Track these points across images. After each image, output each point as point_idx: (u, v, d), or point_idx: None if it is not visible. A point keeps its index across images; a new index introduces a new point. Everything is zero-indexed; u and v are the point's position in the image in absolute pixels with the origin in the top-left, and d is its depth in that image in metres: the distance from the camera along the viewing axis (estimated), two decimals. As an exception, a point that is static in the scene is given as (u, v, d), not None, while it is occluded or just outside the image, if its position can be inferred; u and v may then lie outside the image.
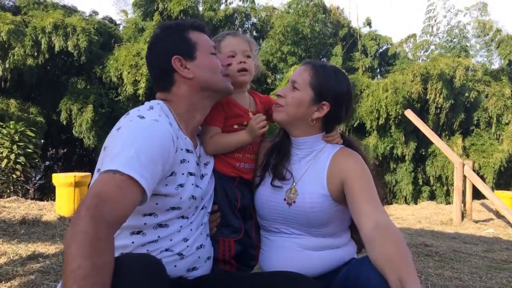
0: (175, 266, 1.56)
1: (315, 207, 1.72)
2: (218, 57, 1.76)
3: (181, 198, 1.55)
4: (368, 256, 1.45)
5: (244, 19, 17.45)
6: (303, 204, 1.73)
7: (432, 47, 19.13)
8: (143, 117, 1.47)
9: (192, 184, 1.61)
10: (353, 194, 1.63)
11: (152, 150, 1.38)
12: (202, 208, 1.72)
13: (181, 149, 1.57)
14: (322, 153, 1.82)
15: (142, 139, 1.38)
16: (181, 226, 1.59)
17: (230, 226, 1.80)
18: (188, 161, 1.61)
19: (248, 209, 1.86)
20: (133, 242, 1.49)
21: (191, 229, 1.62)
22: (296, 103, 1.79)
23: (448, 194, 14.57)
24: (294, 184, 1.78)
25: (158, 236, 1.52)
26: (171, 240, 1.56)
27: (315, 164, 1.81)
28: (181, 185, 1.55)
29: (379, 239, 1.44)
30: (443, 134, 14.97)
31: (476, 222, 8.78)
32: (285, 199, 1.77)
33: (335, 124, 1.87)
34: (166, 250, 1.54)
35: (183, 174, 1.57)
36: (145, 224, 1.50)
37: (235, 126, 1.86)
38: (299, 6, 17.31)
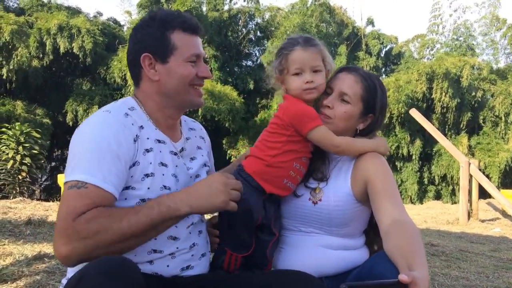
0: (168, 266, 1.54)
1: (339, 206, 1.72)
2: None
3: (148, 188, 1.49)
4: (383, 249, 1.47)
5: (248, 19, 17.45)
6: (328, 202, 1.73)
7: (438, 45, 19.09)
8: (98, 112, 1.53)
9: (163, 175, 1.54)
10: (376, 192, 1.65)
11: (107, 148, 1.40)
12: None
13: (147, 138, 1.53)
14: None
15: (94, 140, 1.42)
16: None
17: (241, 240, 1.69)
18: (160, 151, 1.56)
19: (266, 226, 1.73)
20: None
21: (176, 226, 1.55)
22: (346, 117, 1.74)
23: (454, 193, 14.52)
24: (319, 183, 1.78)
25: None
26: (155, 239, 1.50)
27: (340, 164, 1.81)
28: (147, 175, 1.50)
29: (394, 233, 1.47)
30: (449, 133, 14.92)
31: (483, 221, 8.74)
32: (310, 198, 1.77)
33: (373, 132, 1.86)
34: (154, 251, 1.51)
35: (150, 163, 1.51)
36: None
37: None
38: (305, 6, 17.31)
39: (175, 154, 1.62)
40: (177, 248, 1.57)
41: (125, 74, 13.29)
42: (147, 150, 1.52)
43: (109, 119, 1.48)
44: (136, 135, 1.49)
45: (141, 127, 1.54)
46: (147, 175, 1.50)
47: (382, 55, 19.04)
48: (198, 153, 1.78)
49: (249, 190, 1.66)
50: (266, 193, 1.69)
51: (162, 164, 1.56)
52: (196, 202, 1.45)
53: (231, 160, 12.67)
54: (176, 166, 1.61)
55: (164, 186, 1.54)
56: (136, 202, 1.48)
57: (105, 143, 1.41)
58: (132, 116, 1.53)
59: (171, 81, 1.57)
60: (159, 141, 1.58)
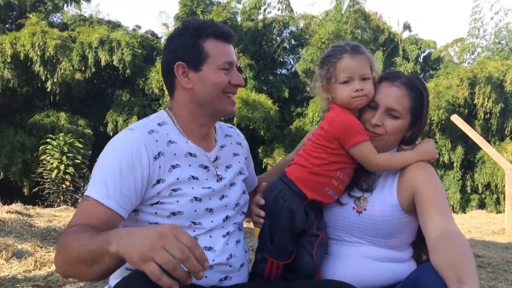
0: (206, 277, 1.55)
1: (385, 216, 1.67)
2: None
3: (177, 201, 1.51)
4: (430, 262, 1.43)
5: (282, 28, 17.52)
6: (373, 212, 1.68)
7: (479, 49, 18.53)
8: (124, 130, 1.57)
9: (193, 188, 1.55)
10: (423, 203, 1.59)
11: (117, 167, 1.44)
12: (226, 219, 1.64)
13: (174, 154, 1.54)
14: None
15: (108, 159, 1.47)
16: (194, 231, 1.55)
17: (283, 248, 1.68)
18: (189, 165, 1.57)
19: (309, 229, 1.70)
20: None
21: (210, 236, 1.56)
22: (397, 132, 1.70)
23: (498, 202, 13.97)
24: (364, 192, 1.75)
25: None
26: None
27: (386, 173, 1.75)
28: (174, 190, 1.52)
29: (443, 245, 1.42)
30: (492, 140, 14.39)
31: (531, 231, 8.35)
32: (354, 208, 1.74)
33: (418, 136, 1.82)
34: None
35: (177, 178, 1.52)
36: None
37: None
38: (340, 13, 17.22)
39: (205, 167, 1.62)
40: (214, 260, 1.57)
41: (162, 85, 13.60)
42: (173, 166, 1.54)
43: (128, 138, 1.52)
44: (159, 153, 1.51)
45: (170, 142, 1.55)
46: (174, 190, 1.52)
47: (420, 60, 18.65)
48: (235, 160, 1.77)
49: (291, 196, 1.67)
50: (307, 199, 1.68)
51: (193, 177, 1.57)
52: (125, 244, 1.17)
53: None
54: (207, 179, 1.61)
55: (195, 198, 1.55)
56: (167, 216, 1.51)
57: (116, 162, 1.46)
58: (159, 132, 1.54)
59: (204, 89, 1.57)
60: (190, 154, 1.59)
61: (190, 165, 1.58)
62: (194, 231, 1.56)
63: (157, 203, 1.51)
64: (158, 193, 1.49)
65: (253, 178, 1.92)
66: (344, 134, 1.65)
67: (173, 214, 1.52)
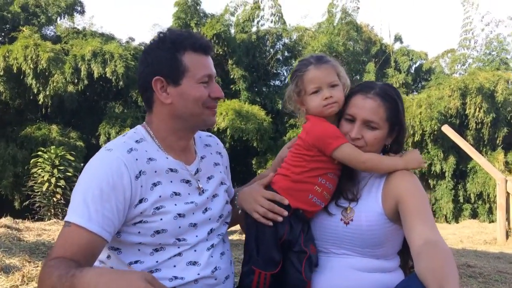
0: None
1: (371, 226, 1.69)
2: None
3: (161, 219, 1.50)
4: (415, 271, 1.43)
5: (276, 40, 17.64)
6: (360, 222, 1.69)
7: (470, 60, 18.72)
8: (100, 151, 1.54)
9: (176, 205, 1.54)
10: (407, 211, 1.61)
11: (98, 189, 1.41)
12: (211, 231, 1.64)
13: (155, 172, 1.52)
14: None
15: (88, 181, 1.44)
16: (178, 248, 1.54)
17: (269, 258, 1.68)
18: (170, 181, 1.55)
19: (295, 244, 1.70)
20: None
21: (195, 250, 1.56)
22: (378, 142, 1.73)
23: (491, 212, 14.00)
24: (350, 202, 1.76)
25: (157, 261, 1.50)
26: (174, 266, 1.52)
27: (371, 181, 1.77)
28: (157, 208, 1.50)
29: (426, 254, 1.43)
30: (484, 150, 14.48)
31: (523, 241, 8.37)
32: (341, 219, 1.74)
33: (402, 142, 1.83)
34: (175, 278, 1.51)
35: (160, 196, 1.51)
36: (139, 250, 1.51)
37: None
38: (332, 25, 17.38)
39: (187, 181, 1.61)
40: (199, 274, 1.56)
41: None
42: (155, 184, 1.52)
43: (106, 159, 1.48)
44: (140, 171, 1.49)
45: (150, 159, 1.53)
46: (157, 208, 1.50)
47: (412, 71, 18.81)
48: (216, 170, 1.76)
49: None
50: (291, 208, 1.69)
51: (175, 194, 1.55)
52: None
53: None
54: (189, 193, 1.60)
55: (179, 215, 1.53)
56: (150, 234, 1.49)
57: (96, 184, 1.42)
58: (138, 150, 1.52)
59: (184, 104, 1.55)
60: (171, 170, 1.57)
61: (171, 181, 1.56)
62: (178, 247, 1.55)
63: (140, 221, 1.49)
64: (141, 212, 1.48)
65: (231, 187, 1.91)
66: (323, 142, 1.67)
67: (157, 232, 1.50)
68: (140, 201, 1.48)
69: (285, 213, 1.66)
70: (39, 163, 10.18)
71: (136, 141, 1.56)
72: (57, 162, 10.09)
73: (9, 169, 12.78)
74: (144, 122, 1.66)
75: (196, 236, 1.58)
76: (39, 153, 10.29)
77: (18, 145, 13.28)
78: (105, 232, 1.40)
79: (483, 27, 18.46)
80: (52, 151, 10.25)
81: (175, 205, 1.54)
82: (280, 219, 1.65)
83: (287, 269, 1.70)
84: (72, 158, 10.51)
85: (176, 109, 1.56)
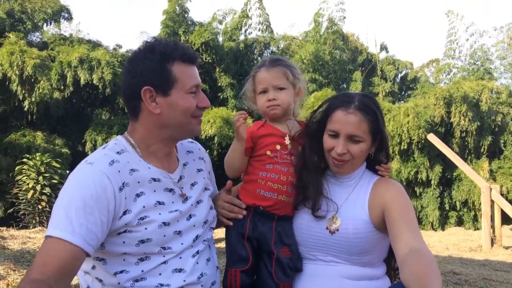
0: None
1: (358, 234, 1.70)
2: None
3: (146, 229, 1.50)
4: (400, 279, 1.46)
5: (263, 48, 17.72)
6: (346, 231, 1.71)
7: (454, 70, 19.01)
8: (81, 165, 1.52)
9: (160, 214, 1.54)
10: (393, 220, 1.64)
11: (81, 202, 1.39)
12: (196, 238, 1.64)
13: (138, 182, 1.52)
14: (363, 180, 1.81)
15: (70, 194, 1.42)
16: (163, 256, 1.54)
17: (236, 255, 1.75)
18: (154, 191, 1.55)
19: (264, 243, 1.75)
20: (119, 283, 1.49)
21: (180, 257, 1.56)
22: (363, 153, 1.77)
23: (476, 219, 14.16)
24: (336, 211, 1.76)
25: (142, 271, 1.50)
26: (160, 274, 1.52)
27: (356, 191, 1.79)
28: (142, 218, 1.50)
29: (411, 261, 1.46)
30: (469, 158, 14.67)
31: (507, 248, 8.47)
32: (327, 228, 1.75)
33: (386, 148, 1.86)
34: (161, 285, 1.51)
35: (144, 206, 1.51)
36: (124, 260, 1.51)
37: (268, 153, 1.80)
38: (318, 34, 17.54)
39: (170, 190, 1.61)
40: (185, 281, 1.55)
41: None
42: (138, 195, 1.51)
43: (88, 172, 1.47)
44: (124, 183, 1.48)
45: (132, 170, 1.52)
46: (142, 218, 1.50)
47: (398, 80, 19.04)
48: (199, 176, 1.77)
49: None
50: (251, 207, 1.79)
51: (159, 203, 1.55)
52: None
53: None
54: (173, 202, 1.60)
55: (164, 223, 1.54)
56: (135, 244, 1.49)
57: (79, 197, 1.41)
58: (120, 162, 1.51)
59: (173, 114, 1.56)
60: (154, 179, 1.57)
61: (155, 191, 1.56)
62: (164, 256, 1.55)
63: (124, 231, 1.48)
64: (126, 224, 1.48)
65: (216, 192, 1.93)
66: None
67: (142, 242, 1.50)
68: (124, 213, 1.48)
69: (243, 212, 1.78)
70: (24, 170, 10.06)
71: (117, 152, 1.55)
72: (42, 169, 9.98)
73: (-7, 177, 12.57)
74: (126, 132, 1.66)
75: (182, 243, 1.59)
76: (24, 160, 10.17)
77: (2, 152, 13.08)
78: (88, 246, 1.38)
79: (468, 37, 18.80)
80: (37, 158, 10.13)
81: (159, 214, 1.54)
82: (240, 217, 1.77)
83: (261, 270, 1.76)
84: (58, 165, 10.40)
85: (164, 119, 1.57)
